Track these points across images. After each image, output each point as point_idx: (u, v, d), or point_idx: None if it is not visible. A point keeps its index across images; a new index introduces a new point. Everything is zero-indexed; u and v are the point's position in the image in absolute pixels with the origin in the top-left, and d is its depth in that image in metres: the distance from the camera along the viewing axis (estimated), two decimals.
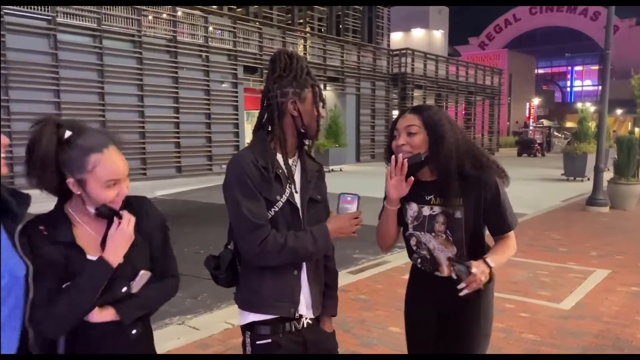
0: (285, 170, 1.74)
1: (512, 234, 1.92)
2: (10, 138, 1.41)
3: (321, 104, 1.76)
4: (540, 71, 67.57)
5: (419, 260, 2.01)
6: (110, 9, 14.84)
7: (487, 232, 1.98)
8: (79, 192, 1.46)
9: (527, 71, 54.17)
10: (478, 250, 1.89)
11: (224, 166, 2.70)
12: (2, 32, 12.51)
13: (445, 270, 1.93)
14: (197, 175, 16.50)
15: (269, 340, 1.71)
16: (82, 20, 14.34)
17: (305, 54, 20.77)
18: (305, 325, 1.77)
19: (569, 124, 48.49)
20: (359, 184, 11.48)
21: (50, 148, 1.41)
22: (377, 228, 2.02)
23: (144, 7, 15.62)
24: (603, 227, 8.13)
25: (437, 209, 1.90)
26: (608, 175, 10.37)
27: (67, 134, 1.44)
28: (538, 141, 30.48)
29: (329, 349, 1.86)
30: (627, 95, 12.40)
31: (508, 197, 1.91)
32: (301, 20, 26.68)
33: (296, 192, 1.75)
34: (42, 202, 1.51)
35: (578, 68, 69.11)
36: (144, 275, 1.52)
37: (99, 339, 1.48)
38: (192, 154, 17.04)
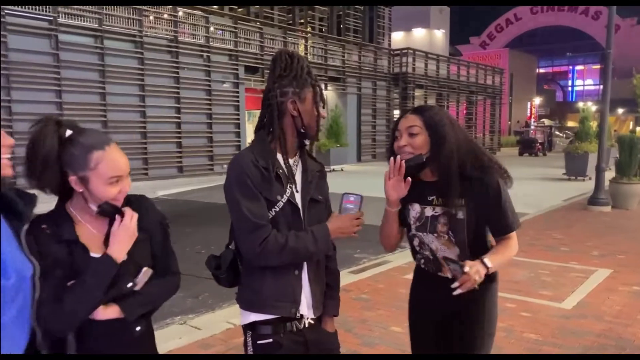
0: (286, 170, 1.73)
1: (513, 234, 1.90)
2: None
3: (321, 104, 1.75)
4: (542, 70, 67.55)
5: (423, 260, 2.00)
6: (111, 10, 14.85)
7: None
8: (81, 190, 1.46)
9: (529, 70, 54.11)
10: (481, 251, 1.87)
11: (225, 166, 2.70)
12: (3, 33, 12.53)
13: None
14: (199, 175, 16.52)
15: (270, 340, 1.71)
16: (84, 20, 14.36)
17: (306, 53, 20.78)
18: (306, 325, 1.76)
19: (570, 124, 48.53)
20: (360, 184, 11.47)
21: (53, 146, 1.41)
22: (380, 229, 2.02)
23: (145, 8, 15.64)
24: (604, 227, 8.11)
25: (439, 210, 1.89)
26: (610, 174, 10.35)
27: (68, 132, 1.45)
28: (539, 141, 30.47)
29: (330, 349, 1.86)
30: (629, 95, 12.36)
31: (510, 198, 1.90)
32: (302, 20, 26.65)
33: (297, 192, 1.74)
34: (42, 203, 1.51)
35: (579, 67, 69.13)
36: (146, 272, 1.53)
37: (104, 337, 1.48)
38: (194, 154, 17.07)
